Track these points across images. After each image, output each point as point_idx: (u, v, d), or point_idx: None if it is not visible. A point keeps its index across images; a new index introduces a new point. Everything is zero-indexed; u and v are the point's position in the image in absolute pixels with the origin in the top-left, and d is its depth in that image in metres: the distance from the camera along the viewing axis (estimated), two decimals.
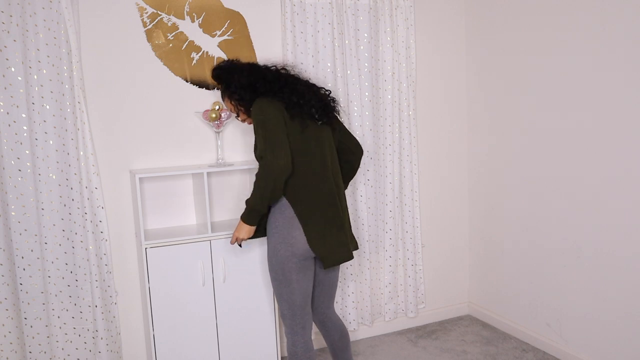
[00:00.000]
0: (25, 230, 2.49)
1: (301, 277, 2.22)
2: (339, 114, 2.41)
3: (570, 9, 2.69)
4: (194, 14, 2.78)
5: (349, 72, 3.02)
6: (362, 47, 3.06)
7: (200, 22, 2.80)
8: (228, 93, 2.32)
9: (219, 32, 2.84)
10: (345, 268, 3.12)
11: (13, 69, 2.41)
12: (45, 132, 2.48)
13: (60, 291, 2.58)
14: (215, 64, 2.83)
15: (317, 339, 3.12)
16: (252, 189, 2.19)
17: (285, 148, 2.11)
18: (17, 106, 2.43)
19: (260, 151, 2.13)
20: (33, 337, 2.55)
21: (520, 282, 3.18)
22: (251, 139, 2.93)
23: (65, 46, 2.48)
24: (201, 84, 2.83)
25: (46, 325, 2.57)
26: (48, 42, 2.45)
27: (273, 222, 2.23)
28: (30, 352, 2.55)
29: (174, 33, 2.75)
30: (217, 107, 2.70)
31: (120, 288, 2.75)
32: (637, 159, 2.45)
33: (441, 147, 3.46)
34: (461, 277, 3.62)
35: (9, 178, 2.45)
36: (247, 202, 2.19)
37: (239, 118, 2.39)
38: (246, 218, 2.21)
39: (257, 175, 2.13)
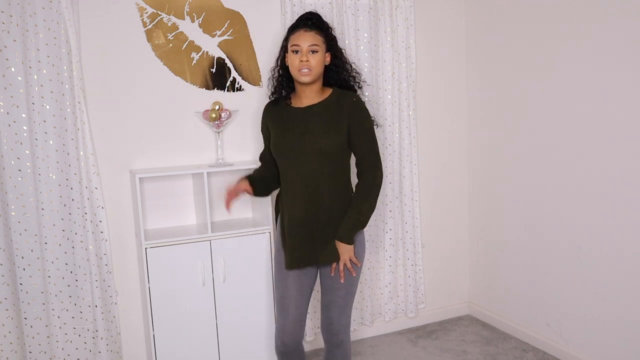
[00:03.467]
0: (25, 230, 2.49)
1: None
2: None
3: (571, 8, 2.69)
4: (194, 14, 2.78)
5: None
6: (362, 47, 3.06)
7: (200, 22, 2.80)
8: (328, 42, 2.22)
9: (219, 32, 2.84)
10: None
11: (13, 69, 2.41)
12: (45, 132, 2.48)
13: (60, 291, 2.58)
14: (213, 64, 2.84)
15: (317, 339, 3.12)
16: (365, 202, 2.17)
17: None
18: (17, 106, 2.43)
19: (374, 157, 2.19)
20: (33, 337, 2.55)
21: (520, 282, 3.18)
22: (250, 138, 2.93)
23: (65, 46, 2.48)
24: (201, 84, 2.83)
25: (46, 325, 2.57)
26: (48, 42, 2.45)
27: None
28: (30, 352, 2.55)
29: (174, 33, 2.75)
30: (217, 107, 2.70)
31: (120, 288, 2.75)
32: (638, 158, 2.45)
33: (441, 147, 3.46)
34: (461, 277, 3.62)
35: (9, 178, 2.45)
36: (361, 218, 2.17)
37: (310, 60, 2.13)
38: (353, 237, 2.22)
39: (375, 183, 2.16)
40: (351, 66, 2.32)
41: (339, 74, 2.26)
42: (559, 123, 2.82)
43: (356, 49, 3.03)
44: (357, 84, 2.33)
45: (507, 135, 3.18)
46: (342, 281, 2.19)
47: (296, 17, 2.86)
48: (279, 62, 2.30)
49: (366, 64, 3.07)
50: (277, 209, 2.35)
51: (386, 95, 3.15)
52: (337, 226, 2.18)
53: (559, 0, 2.75)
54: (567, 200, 2.81)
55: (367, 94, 3.08)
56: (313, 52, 2.13)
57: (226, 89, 2.87)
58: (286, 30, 2.28)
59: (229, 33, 2.86)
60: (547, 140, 2.90)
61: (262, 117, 2.35)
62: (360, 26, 3.04)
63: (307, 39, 2.13)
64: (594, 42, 2.59)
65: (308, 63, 2.11)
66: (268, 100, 2.36)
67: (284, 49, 2.26)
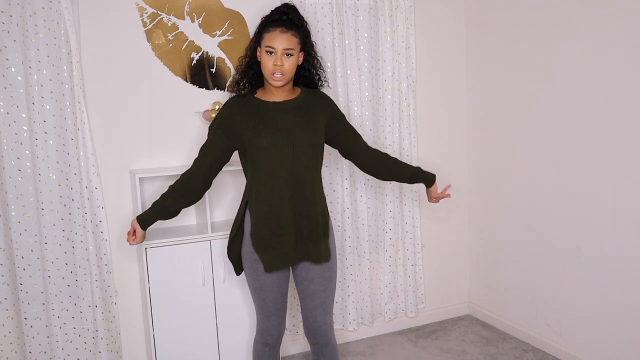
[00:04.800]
0: (25, 230, 2.49)
1: None
2: None
3: (571, 7, 2.69)
4: (194, 14, 2.78)
5: (349, 72, 3.02)
6: (362, 47, 3.06)
7: (200, 22, 2.80)
8: (303, 41, 2.14)
9: (219, 32, 2.84)
10: (346, 268, 3.12)
11: (13, 69, 2.41)
12: (45, 132, 2.48)
13: (60, 291, 2.58)
14: (214, 64, 2.84)
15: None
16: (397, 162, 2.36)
17: None
18: (17, 106, 2.43)
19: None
20: (33, 337, 2.55)
21: (520, 282, 3.18)
22: None
23: (65, 46, 2.48)
24: (201, 84, 2.83)
25: (46, 325, 2.57)
26: (48, 42, 2.45)
27: (329, 218, 2.24)
28: (30, 352, 2.55)
29: (174, 33, 2.75)
30: (217, 107, 2.70)
31: (120, 288, 2.75)
32: (638, 158, 2.45)
33: (441, 147, 3.46)
34: (461, 277, 3.62)
35: (9, 178, 2.45)
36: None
37: (286, 63, 2.06)
38: None
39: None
40: (320, 63, 2.26)
41: (310, 73, 2.23)
42: (559, 123, 2.82)
43: (356, 49, 3.03)
44: (324, 82, 2.30)
45: (507, 135, 3.18)
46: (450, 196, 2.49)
47: None
48: (248, 52, 2.17)
49: (366, 64, 3.07)
50: (242, 213, 2.17)
51: (386, 95, 3.15)
52: (324, 223, 2.17)
53: (559, 0, 2.75)
54: (567, 200, 2.81)
55: (367, 93, 3.08)
56: (288, 55, 2.05)
57: (226, 89, 2.87)
58: (260, 21, 2.14)
59: (229, 33, 2.86)
60: (547, 140, 2.90)
61: (227, 113, 2.13)
62: (360, 26, 3.04)
63: (282, 42, 2.04)
64: (594, 42, 2.59)
65: (282, 67, 2.04)
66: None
67: (256, 42, 2.13)
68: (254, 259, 2.14)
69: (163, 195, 2.21)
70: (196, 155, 2.24)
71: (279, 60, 2.04)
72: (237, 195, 2.92)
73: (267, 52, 2.05)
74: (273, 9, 2.15)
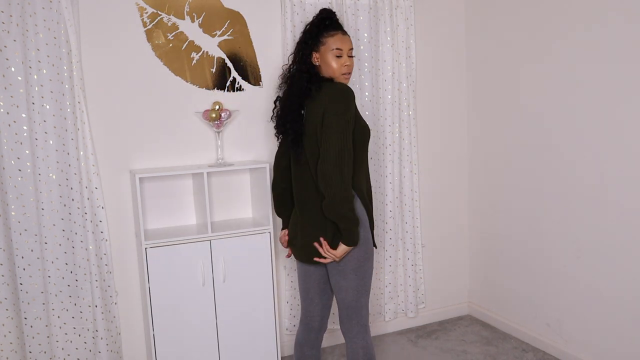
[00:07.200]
0: (25, 230, 2.49)
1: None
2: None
3: (571, 6, 2.69)
4: (194, 14, 2.78)
5: None
6: (362, 47, 3.06)
7: (200, 22, 2.80)
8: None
9: (219, 32, 2.84)
10: None
11: (13, 69, 2.41)
12: (45, 132, 2.49)
13: (60, 291, 2.58)
14: (213, 64, 2.84)
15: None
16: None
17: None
18: (17, 106, 2.43)
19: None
20: (33, 337, 2.55)
21: (520, 282, 3.18)
22: (250, 138, 2.94)
23: (65, 46, 2.48)
24: (201, 84, 2.83)
25: (46, 325, 2.57)
26: (48, 42, 2.45)
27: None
28: (30, 352, 2.55)
29: (174, 33, 2.75)
30: (217, 107, 2.70)
31: (120, 288, 2.75)
32: (638, 158, 2.45)
33: (441, 147, 3.46)
34: (461, 277, 3.62)
35: (9, 178, 2.45)
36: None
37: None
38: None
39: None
40: None
41: None
42: (559, 123, 2.82)
43: (356, 49, 3.03)
44: None
45: (507, 135, 3.18)
46: None
47: (296, 17, 2.88)
48: (302, 58, 2.20)
49: (366, 64, 3.07)
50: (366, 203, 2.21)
51: (386, 95, 3.15)
52: None
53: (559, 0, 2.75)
54: (567, 200, 2.81)
55: (367, 93, 3.08)
56: (350, 56, 2.22)
57: (226, 89, 2.87)
58: (310, 26, 2.21)
59: (229, 33, 2.86)
60: (547, 140, 2.90)
61: (353, 101, 2.14)
62: (360, 26, 3.04)
63: (347, 43, 2.20)
64: (594, 40, 2.58)
65: (350, 67, 2.21)
66: (273, 99, 2.35)
67: (312, 47, 2.19)
68: (369, 238, 2.21)
69: (352, 211, 2.08)
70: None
71: (348, 60, 2.20)
72: (237, 195, 2.93)
73: (336, 55, 2.18)
74: (318, 13, 2.22)
